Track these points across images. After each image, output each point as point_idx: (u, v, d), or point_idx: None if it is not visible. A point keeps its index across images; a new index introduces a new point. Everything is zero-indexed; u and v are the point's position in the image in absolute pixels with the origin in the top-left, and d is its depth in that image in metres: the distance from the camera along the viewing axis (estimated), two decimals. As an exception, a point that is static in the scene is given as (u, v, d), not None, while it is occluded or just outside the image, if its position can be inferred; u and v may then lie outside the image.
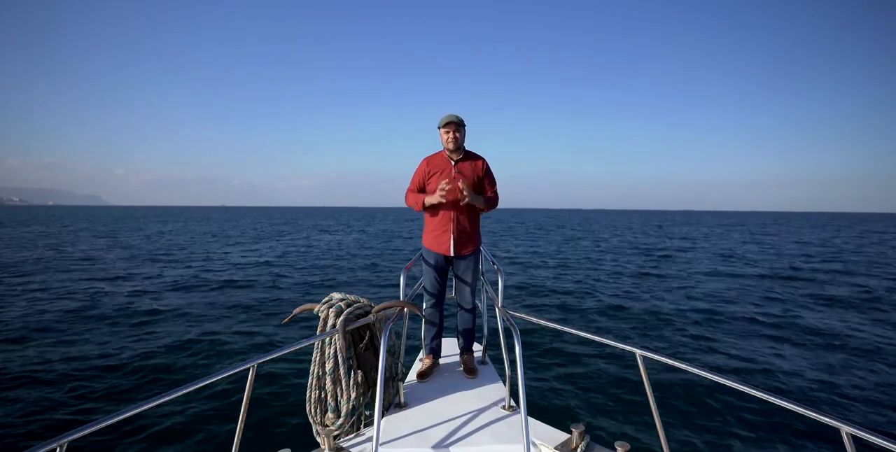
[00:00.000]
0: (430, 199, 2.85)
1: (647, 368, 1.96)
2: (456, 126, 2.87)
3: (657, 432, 1.94)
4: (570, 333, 2.33)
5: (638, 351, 1.98)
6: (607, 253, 22.36)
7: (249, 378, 1.87)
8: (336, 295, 2.49)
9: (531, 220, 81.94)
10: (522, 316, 2.58)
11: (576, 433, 2.13)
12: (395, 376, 2.69)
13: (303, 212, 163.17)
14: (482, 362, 3.24)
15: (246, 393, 1.87)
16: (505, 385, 2.62)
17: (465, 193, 2.72)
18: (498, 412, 2.45)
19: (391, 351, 2.58)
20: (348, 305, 2.41)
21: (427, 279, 3.03)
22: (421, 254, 3.10)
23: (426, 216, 3.02)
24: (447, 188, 2.74)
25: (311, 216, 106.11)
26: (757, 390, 1.61)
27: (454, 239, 2.92)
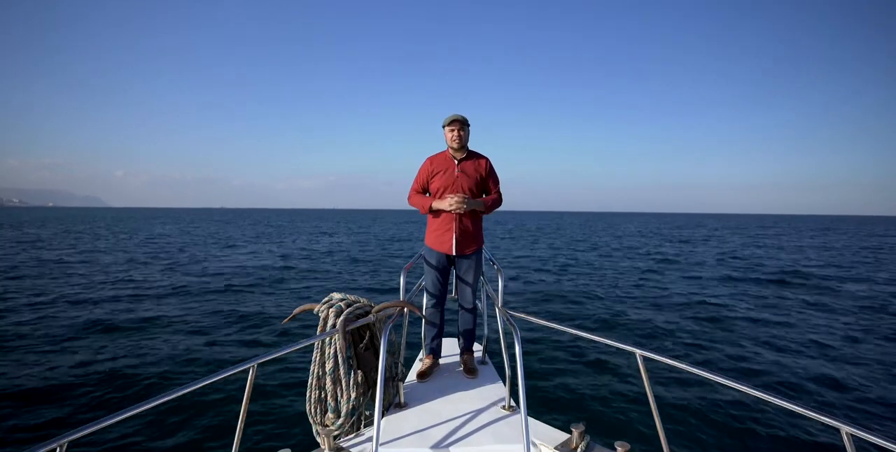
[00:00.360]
0: (440, 205, 2.87)
1: (647, 368, 1.96)
2: (460, 125, 2.90)
3: (657, 432, 1.93)
4: (571, 333, 2.33)
5: (638, 352, 1.98)
6: (608, 257, 22.37)
7: (249, 378, 1.86)
8: (336, 295, 2.49)
9: (531, 223, 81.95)
10: (522, 316, 2.58)
11: (576, 433, 2.13)
12: (395, 376, 2.68)
13: (302, 214, 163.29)
14: (482, 362, 3.25)
15: (246, 393, 1.86)
16: (505, 385, 2.62)
17: (464, 209, 2.81)
18: (498, 412, 2.45)
19: (391, 351, 2.57)
20: (348, 305, 2.41)
21: (428, 279, 3.04)
22: (422, 254, 3.11)
23: (429, 216, 3.04)
24: (461, 204, 2.78)
25: (310, 218, 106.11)
26: (757, 390, 1.61)
27: (457, 239, 2.93)
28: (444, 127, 2.95)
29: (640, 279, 14.61)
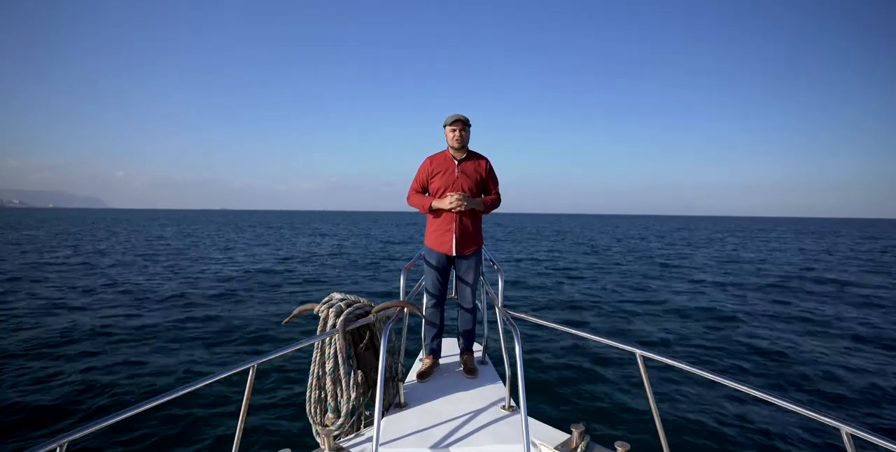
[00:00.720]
0: (440, 204, 2.88)
1: (647, 368, 1.96)
2: (462, 124, 2.90)
3: (657, 432, 1.93)
4: (571, 333, 2.33)
5: (638, 351, 1.98)
6: (608, 259, 22.37)
7: (249, 378, 1.87)
8: (336, 295, 2.49)
9: (530, 225, 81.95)
10: (522, 316, 2.58)
11: (576, 433, 2.13)
12: (395, 376, 2.68)
13: (303, 216, 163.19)
14: (482, 362, 3.25)
15: (246, 393, 1.87)
16: (505, 385, 2.62)
17: (465, 205, 2.83)
18: (498, 412, 2.45)
19: (391, 351, 2.58)
20: (348, 305, 2.41)
21: (428, 279, 3.04)
22: (422, 255, 3.11)
23: (429, 216, 3.04)
24: (461, 201, 2.80)
25: (311, 219, 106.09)
26: (757, 390, 1.61)
27: (456, 239, 2.93)
28: (445, 126, 2.95)
29: (643, 283, 14.56)
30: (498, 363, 3.02)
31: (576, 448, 2.09)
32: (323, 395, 2.35)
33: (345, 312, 2.35)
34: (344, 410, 2.32)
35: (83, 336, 7.49)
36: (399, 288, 2.79)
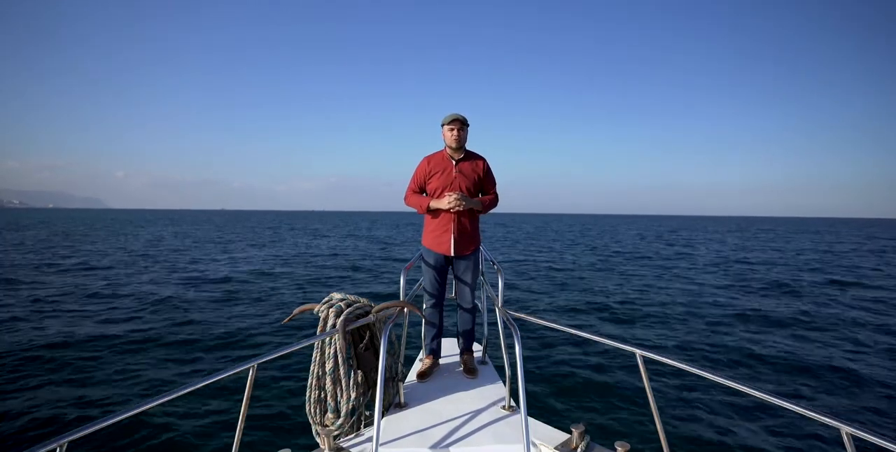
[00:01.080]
0: (438, 204, 2.87)
1: (647, 368, 1.96)
2: (461, 124, 2.89)
3: (657, 432, 1.94)
4: (571, 333, 2.33)
5: (638, 352, 1.98)
6: (608, 260, 22.37)
7: (249, 378, 1.86)
8: (336, 295, 2.49)
9: (529, 225, 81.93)
10: (522, 316, 2.58)
11: (576, 433, 2.13)
12: (395, 376, 2.68)
13: (303, 216, 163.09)
14: (482, 362, 3.25)
15: (246, 393, 1.86)
16: (505, 385, 2.62)
17: (463, 205, 2.83)
18: (498, 412, 2.45)
19: (391, 351, 2.57)
20: (348, 305, 2.41)
21: (427, 279, 3.04)
22: (421, 255, 3.11)
23: (427, 216, 3.03)
24: (460, 201, 2.80)
25: (311, 220, 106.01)
26: (757, 390, 1.61)
27: (455, 239, 2.92)
28: (443, 125, 2.94)
29: (643, 283, 14.55)
30: (498, 363, 3.02)
31: (576, 448, 2.09)
32: (323, 395, 2.35)
33: (345, 312, 2.34)
34: (344, 410, 2.32)
35: (82, 338, 7.46)
36: (399, 288, 2.79)
